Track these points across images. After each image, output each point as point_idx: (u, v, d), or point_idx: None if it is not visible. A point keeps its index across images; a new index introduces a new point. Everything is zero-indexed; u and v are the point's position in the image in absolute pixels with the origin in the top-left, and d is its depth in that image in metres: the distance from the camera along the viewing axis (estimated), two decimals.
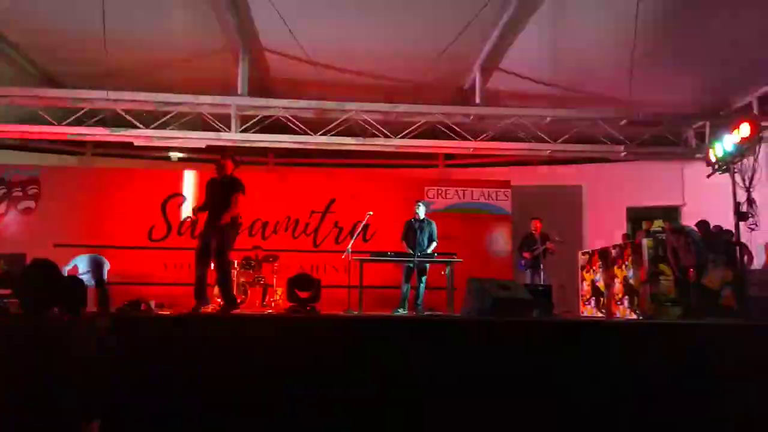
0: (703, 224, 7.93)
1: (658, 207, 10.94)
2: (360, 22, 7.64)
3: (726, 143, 7.26)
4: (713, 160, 7.60)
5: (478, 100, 8.85)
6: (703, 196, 9.49)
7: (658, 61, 8.08)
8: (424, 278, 7.90)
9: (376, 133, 9.04)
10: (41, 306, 2.61)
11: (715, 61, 8.17)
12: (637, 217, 11.18)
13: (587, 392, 5.01)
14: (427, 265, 7.90)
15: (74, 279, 3.38)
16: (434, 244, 8.05)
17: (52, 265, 2.71)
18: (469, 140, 9.23)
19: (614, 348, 5.30)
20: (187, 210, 10.03)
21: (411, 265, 7.77)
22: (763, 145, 8.11)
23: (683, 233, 7.61)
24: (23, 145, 10.59)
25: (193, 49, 8.43)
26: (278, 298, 9.00)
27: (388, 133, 9.08)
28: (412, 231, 8.00)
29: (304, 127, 8.98)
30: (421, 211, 8.12)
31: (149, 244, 10.01)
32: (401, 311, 7.54)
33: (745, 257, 7.60)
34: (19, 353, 2.46)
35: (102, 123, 8.81)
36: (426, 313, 7.49)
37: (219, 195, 6.12)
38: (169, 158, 11.40)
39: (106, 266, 7.87)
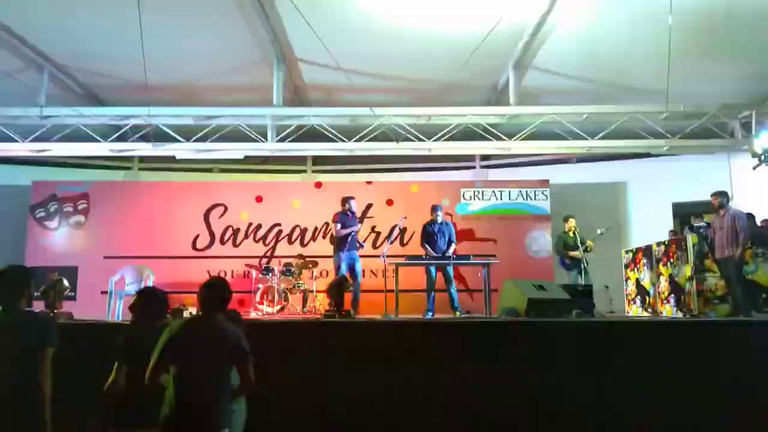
0: (749, 217, 7.62)
1: (705, 202, 10.57)
2: (388, 27, 7.67)
3: None
4: (759, 151, 7.31)
5: (512, 100, 8.75)
6: (752, 189, 9.15)
7: (698, 50, 7.84)
8: (452, 282, 7.88)
9: (411, 137, 9.05)
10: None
11: (759, 49, 7.86)
12: (684, 212, 10.83)
13: (625, 394, 4.91)
14: (451, 268, 7.89)
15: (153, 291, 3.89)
16: (453, 246, 8.05)
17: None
18: (505, 140, 9.13)
19: (655, 348, 5.17)
20: (229, 220, 10.36)
21: (433, 269, 7.79)
22: None
23: (728, 214, 7.15)
24: (73, 163, 11.06)
25: (229, 63, 8.65)
26: (318, 303, 9.13)
27: (423, 137, 9.07)
28: (432, 235, 8.03)
29: (338, 134, 9.07)
30: (440, 215, 8.14)
31: (193, 254, 10.29)
32: (430, 315, 7.55)
33: None
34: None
35: (145, 138, 9.13)
36: (463, 315, 7.45)
37: None
38: (211, 170, 11.73)
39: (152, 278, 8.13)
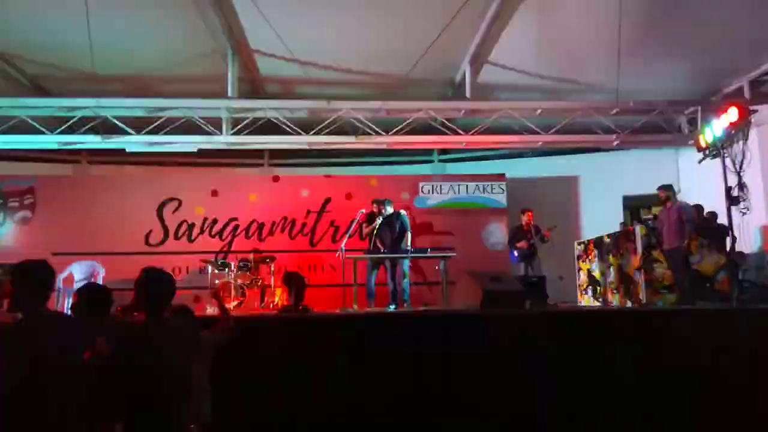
0: (697, 208, 7.92)
1: (654, 194, 10.92)
2: (346, 20, 7.62)
3: (715, 128, 7.25)
4: (704, 145, 7.60)
5: (468, 94, 8.83)
6: (698, 182, 9.48)
7: (647, 48, 8.07)
8: (404, 275, 7.93)
9: (368, 130, 9.03)
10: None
11: (705, 46, 8.11)
12: (634, 205, 11.17)
13: (580, 382, 5.03)
14: (407, 261, 7.95)
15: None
16: (408, 235, 8.12)
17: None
18: (461, 134, 9.21)
19: (606, 336, 5.32)
20: (183, 215, 10.15)
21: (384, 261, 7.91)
22: (753, 129, 8.11)
23: (675, 207, 7.42)
24: (19, 156, 10.63)
25: (182, 54, 8.43)
26: (277, 299, 9.03)
27: (380, 131, 9.07)
28: (380, 228, 8.12)
29: (295, 128, 8.98)
30: (389, 209, 8.24)
31: (146, 250, 10.04)
32: (392, 307, 7.60)
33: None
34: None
35: (94, 131, 8.84)
36: (421, 308, 7.50)
37: None
38: (163, 164, 11.44)
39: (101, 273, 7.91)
